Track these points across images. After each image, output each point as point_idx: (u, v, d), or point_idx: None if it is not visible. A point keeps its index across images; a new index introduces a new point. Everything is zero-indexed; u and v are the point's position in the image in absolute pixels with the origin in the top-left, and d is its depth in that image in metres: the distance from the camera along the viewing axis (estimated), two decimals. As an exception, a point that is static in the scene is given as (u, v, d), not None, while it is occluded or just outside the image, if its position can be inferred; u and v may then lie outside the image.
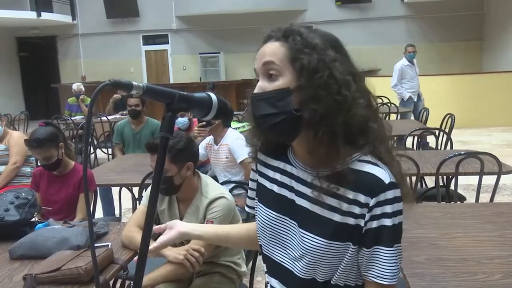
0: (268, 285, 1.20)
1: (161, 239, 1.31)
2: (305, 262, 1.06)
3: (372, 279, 1.02)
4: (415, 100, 7.34)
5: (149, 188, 2.21)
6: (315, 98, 0.96)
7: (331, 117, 0.96)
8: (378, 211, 0.99)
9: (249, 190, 1.30)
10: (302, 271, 1.07)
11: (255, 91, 1.03)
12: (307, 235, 1.05)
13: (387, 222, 0.99)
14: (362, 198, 1.00)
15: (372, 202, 0.99)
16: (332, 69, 0.97)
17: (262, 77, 1.03)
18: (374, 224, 1.00)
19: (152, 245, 1.29)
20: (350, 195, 1.01)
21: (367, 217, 1.00)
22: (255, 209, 1.22)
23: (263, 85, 1.02)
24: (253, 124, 1.08)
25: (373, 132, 1.01)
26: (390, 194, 0.99)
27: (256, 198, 1.23)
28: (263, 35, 1.06)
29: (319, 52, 0.98)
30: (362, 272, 1.05)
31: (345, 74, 0.98)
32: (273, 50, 1.01)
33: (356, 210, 1.01)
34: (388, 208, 0.99)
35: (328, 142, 0.98)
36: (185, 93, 0.92)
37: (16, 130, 6.42)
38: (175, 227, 1.33)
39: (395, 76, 7.28)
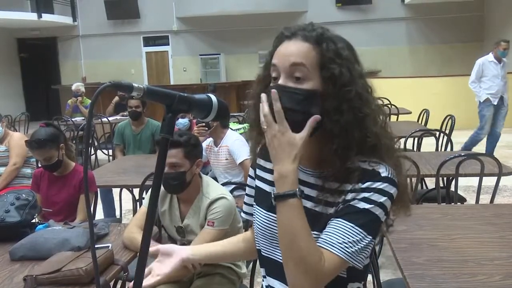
0: None
1: (162, 270, 1.20)
2: None
3: (320, 244, 0.98)
4: (494, 104, 6.27)
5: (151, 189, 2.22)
6: (339, 110, 0.96)
7: (349, 132, 0.97)
8: (362, 194, 0.99)
9: (245, 196, 1.29)
10: None
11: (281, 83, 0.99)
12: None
13: (364, 205, 0.98)
14: (357, 185, 1.01)
15: (361, 185, 0.99)
16: (358, 85, 0.98)
17: (286, 76, 1.00)
18: (351, 200, 0.99)
19: (156, 279, 1.19)
20: (349, 187, 1.02)
21: (349, 196, 1.00)
22: (253, 214, 1.21)
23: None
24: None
25: (383, 148, 1.02)
26: (382, 186, 0.99)
27: (254, 204, 1.22)
28: (286, 31, 1.03)
29: (349, 65, 0.98)
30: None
31: (366, 90, 0.99)
32: (304, 52, 0.99)
33: (349, 195, 1.01)
34: (374, 197, 0.99)
35: (340, 154, 0.98)
36: (186, 95, 0.93)
37: (16, 131, 6.43)
38: (175, 253, 1.23)
39: (474, 72, 6.31)
